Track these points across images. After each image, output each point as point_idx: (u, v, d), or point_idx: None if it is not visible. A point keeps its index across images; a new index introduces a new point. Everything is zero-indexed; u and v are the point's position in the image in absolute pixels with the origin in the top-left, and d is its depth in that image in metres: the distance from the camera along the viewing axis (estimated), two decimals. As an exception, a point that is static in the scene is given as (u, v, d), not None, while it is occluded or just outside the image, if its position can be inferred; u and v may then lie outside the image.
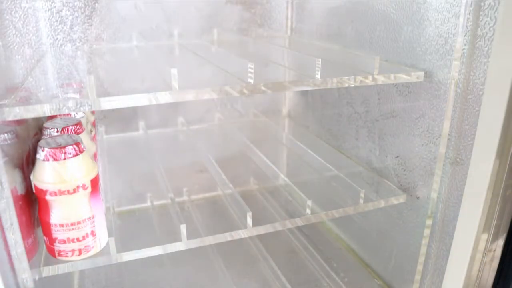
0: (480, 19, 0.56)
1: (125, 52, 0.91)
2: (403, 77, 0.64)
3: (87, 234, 0.54)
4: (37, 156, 0.52)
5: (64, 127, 0.60)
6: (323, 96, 0.98)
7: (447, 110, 0.63)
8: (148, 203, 1.04)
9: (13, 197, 0.48)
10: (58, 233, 0.53)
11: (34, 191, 0.52)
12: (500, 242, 0.64)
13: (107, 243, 0.58)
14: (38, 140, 0.54)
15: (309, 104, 1.05)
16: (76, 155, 0.52)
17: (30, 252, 0.54)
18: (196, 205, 1.06)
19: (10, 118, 0.46)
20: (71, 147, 0.52)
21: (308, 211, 0.68)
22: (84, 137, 0.60)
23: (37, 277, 0.54)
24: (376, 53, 0.76)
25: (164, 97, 0.53)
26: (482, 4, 0.56)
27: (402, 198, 0.74)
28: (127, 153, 1.00)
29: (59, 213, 0.52)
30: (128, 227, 0.97)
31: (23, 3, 0.72)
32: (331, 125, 0.96)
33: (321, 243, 0.98)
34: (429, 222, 0.70)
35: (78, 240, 0.54)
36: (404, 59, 0.70)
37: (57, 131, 0.59)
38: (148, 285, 0.85)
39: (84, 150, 0.54)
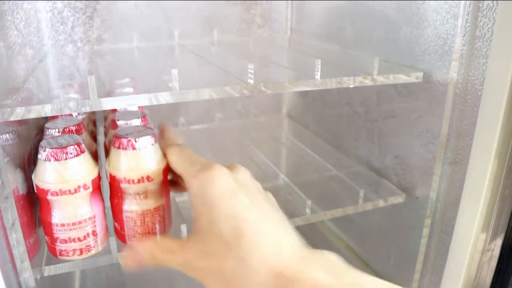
0: (479, 20, 0.57)
1: (126, 52, 0.92)
2: (402, 78, 0.64)
3: (88, 234, 0.55)
4: (39, 156, 0.52)
5: (66, 127, 0.60)
6: (323, 96, 0.99)
7: (446, 111, 0.63)
8: (149, 203, 1.05)
9: (14, 197, 0.49)
10: (59, 233, 0.53)
11: (35, 191, 0.52)
12: (499, 242, 0.64)
13: (108, 243, 0.58)
14: (39, 140, 0.54)
15: (309, 104, 1.05)
16: (78, 155, 0.52)
17: (32, 251, 0.55)
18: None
19: (12, 119, 0.47)
20: (72, 147, 0.52)
21: (308, 211, 0.69)
22: (85, 137, 0.60)
23: (38, 276, 0.54)
24: (375, 54, 0.76)
25: (165, 97, 0.53)
26: (481, 5, 0.56)
27: (401, 198, 0.74)
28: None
29: (61, 213, 0.53)
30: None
31: (25, 4, 0.73)
32: (330, 125, 0.96)
33: (321, 243, 0.99)
34: (428, 221, 0.70)
35: (79, 239, 0.54)
36: (403, 60, 0.70)
37: (59, 131, 0.59)
38: (149, 285, 0.86)
39: (85, 150, 0.54)
